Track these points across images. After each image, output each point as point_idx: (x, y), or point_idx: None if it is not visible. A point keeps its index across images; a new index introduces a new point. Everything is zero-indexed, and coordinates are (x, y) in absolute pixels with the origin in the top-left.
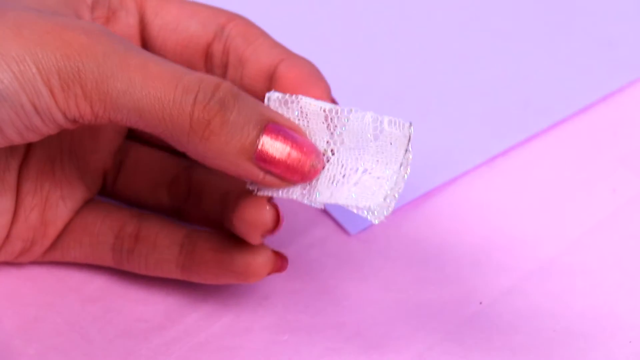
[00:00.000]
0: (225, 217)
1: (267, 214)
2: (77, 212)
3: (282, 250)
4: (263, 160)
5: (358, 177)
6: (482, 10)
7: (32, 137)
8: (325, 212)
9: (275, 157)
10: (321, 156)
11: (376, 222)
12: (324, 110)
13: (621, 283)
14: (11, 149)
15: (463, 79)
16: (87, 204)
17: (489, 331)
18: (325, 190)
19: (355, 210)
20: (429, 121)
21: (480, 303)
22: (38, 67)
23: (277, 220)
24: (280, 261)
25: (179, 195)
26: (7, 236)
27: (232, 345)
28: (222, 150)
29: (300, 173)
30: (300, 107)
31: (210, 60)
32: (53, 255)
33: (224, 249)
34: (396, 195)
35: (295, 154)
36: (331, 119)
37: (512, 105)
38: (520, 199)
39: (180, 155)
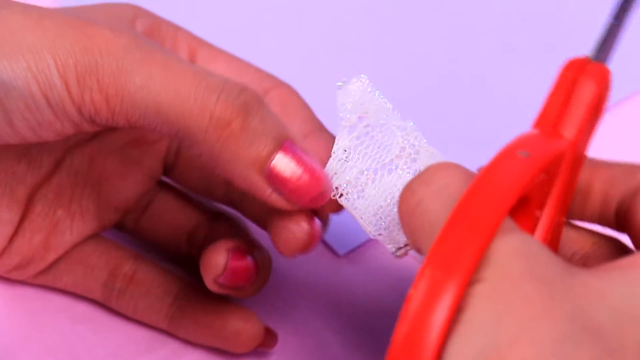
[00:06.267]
0: None
1: (219, 259)
2: (79, 243)
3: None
4: (273, 176)
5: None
6: (467, 33)
7: (47, 135)
8: None
9: (285, 176)
10: (330, 185)
11: None
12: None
13: None
14: (34, 165)
15: (450, 102)
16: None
17: None
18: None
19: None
20: None
21: None
22: (55, 58)
23: (225, 267)
24: (269, 338)
25: (196, 245)
26: (7, 248)
27: None
28: (237, 155)
29: (307, 197)
30: None
31: None
32: (44, 278)
33: (218, 311)
34: None
35: (305, 176)
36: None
37: (503, 128)
38: None
39: (206, 206)
